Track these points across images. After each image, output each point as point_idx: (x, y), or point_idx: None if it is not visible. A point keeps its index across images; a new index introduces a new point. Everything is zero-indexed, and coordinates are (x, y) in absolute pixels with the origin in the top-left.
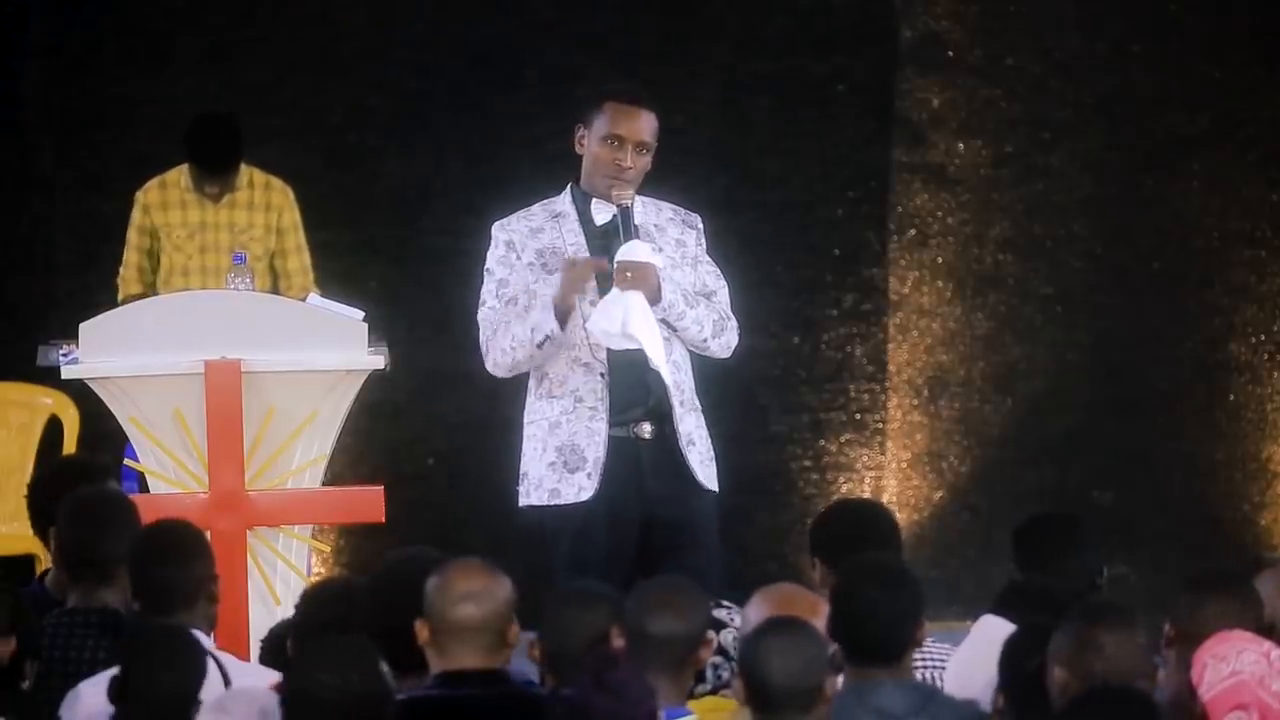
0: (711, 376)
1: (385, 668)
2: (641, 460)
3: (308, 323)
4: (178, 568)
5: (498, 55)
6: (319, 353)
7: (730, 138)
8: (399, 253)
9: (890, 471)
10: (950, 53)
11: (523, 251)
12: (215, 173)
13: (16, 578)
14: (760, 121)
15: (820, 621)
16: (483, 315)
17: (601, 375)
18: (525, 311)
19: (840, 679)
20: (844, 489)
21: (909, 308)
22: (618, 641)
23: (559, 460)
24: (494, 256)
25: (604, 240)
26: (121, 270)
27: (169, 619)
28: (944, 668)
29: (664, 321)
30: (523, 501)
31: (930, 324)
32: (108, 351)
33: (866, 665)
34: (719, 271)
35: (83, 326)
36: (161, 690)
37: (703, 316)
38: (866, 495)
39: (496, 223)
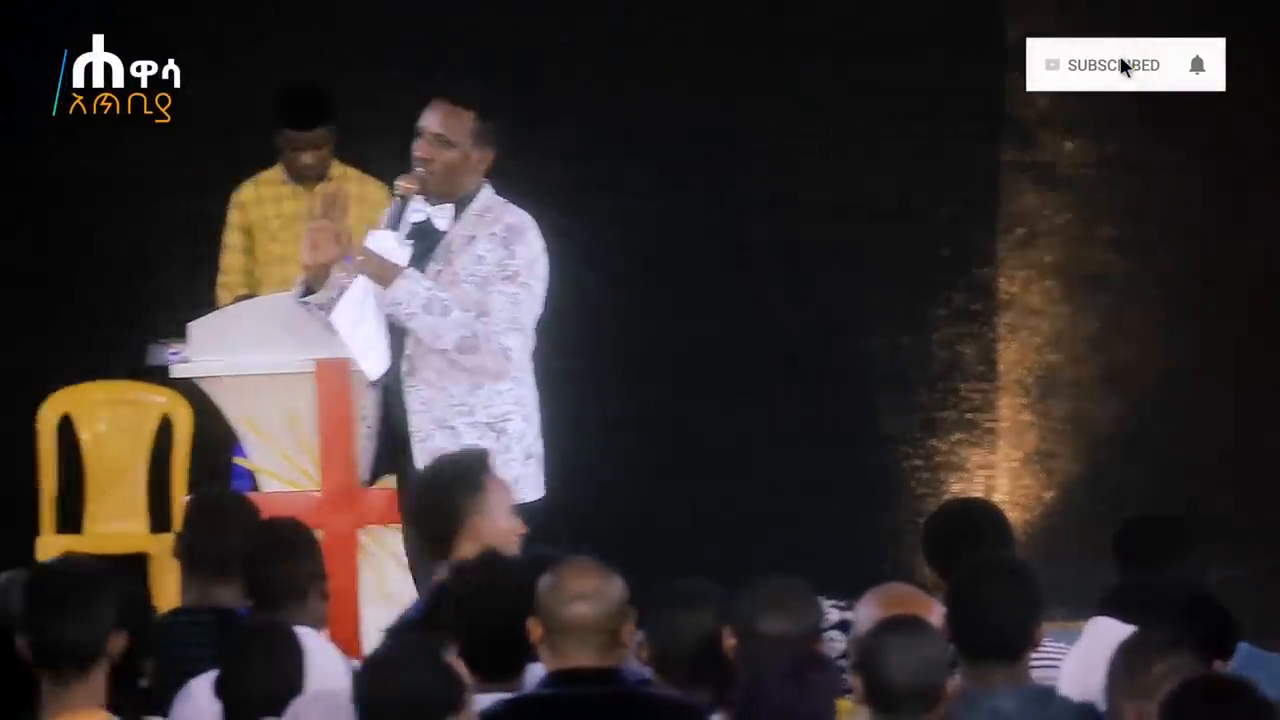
0: (820, 376)
1: (458, 666)
2: (397, 470)
3: None
4: (287, 565)
5: (593, 51)
6: None
7: (838, 139)
8: None
9: (1001, 471)
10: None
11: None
12: (301, 122)
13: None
14: (869, 122)
15: (932, 622)
16: None
17: (370, 386)
18: None
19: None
20: (955, 489)
21: (1018, 307)
22: (729, 641)
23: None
24: None
25: (416, 237)
26: (220, 276)
27: (280, 616)
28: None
29: (393, 318)
30: None
31: (1040, 323)
32: (216, 350)
33: (983, 665)
34: (518, 298)
35: (191, 326)
36: (260, 687)
37: (443, 328)
38: (978, 495)
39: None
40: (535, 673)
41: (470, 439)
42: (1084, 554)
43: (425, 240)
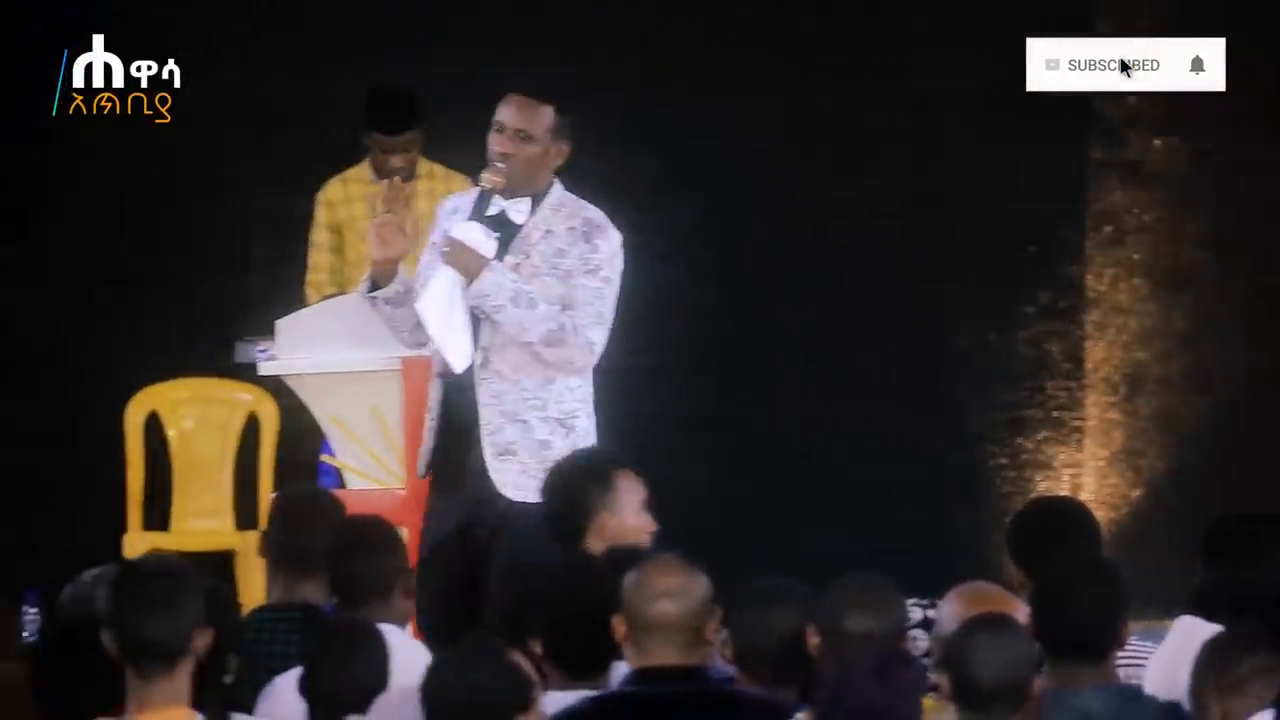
0: (907, 374)
1: (522, 666)
2: (456, 461)
3: None
4: (372, 563)
5: (680, 48)
6: None
7: (927, 136)
8: None
9: (1088, 469)
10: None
11: (433, 231)
12: (390, 128)
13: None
14: (957, 119)
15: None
16: None
17: (439, 376)
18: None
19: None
20: (1041, 487)
21: (1106, 305)
22: (813, 639)
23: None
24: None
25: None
26: (309, 275)
27: (364, 613)
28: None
29: (479, 310)
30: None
31: (1128, 321)
32: (303, 348)
33: (1069, 664)
34: (601, 291)
35: (278, 323)
36: (345, 684)
37: (530, 320)
38: (1064, 493)
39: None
40: (621, 671)
41: (542, 434)
42: (1171, 552)
43: (502, 233)
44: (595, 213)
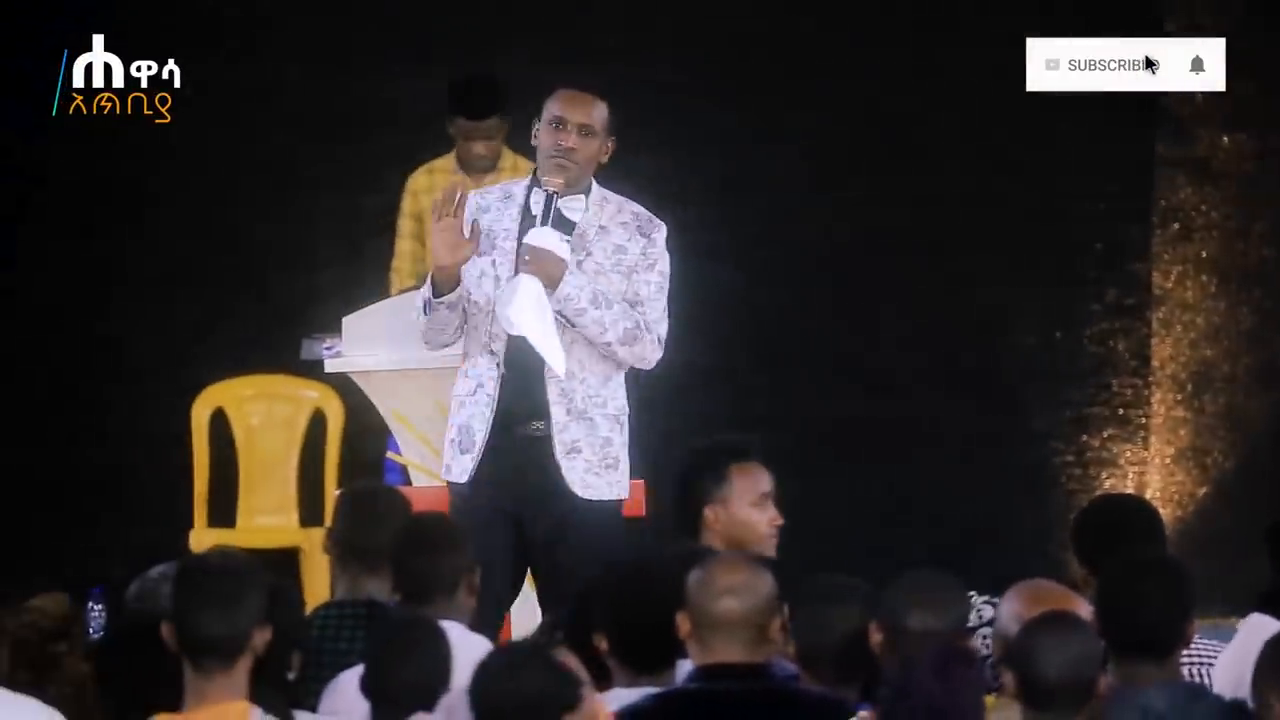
0: (972, 372)
1: (570, 665)
2: (517, 458)
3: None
4: (435, 560)
5: (750, 48)
6: None
7: (993, 133)
8: None
9: (1154, 467)
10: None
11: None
12: (474, 111)
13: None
14: (1023, 116)
15: None
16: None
17: (498, 366)
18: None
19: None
20: (1107, 484)
21: (1172, 302)
22: (876, 637)
23: (456, 439)
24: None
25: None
26: (394, 262)
27: (428, 610)
28: (1213, 665)
29: (562, 315)
30: (443, 475)
31: (1194, 318)
32: (370, 345)
33: (1133, 662)
34: (663, 285)
35: (345, 320)
36: (407, 681)
37: (609, 320)
38: (1129, 491)
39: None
40: (685, 668)
41: (604, 431)
42: (1237, 550)
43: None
44: (639, 207)
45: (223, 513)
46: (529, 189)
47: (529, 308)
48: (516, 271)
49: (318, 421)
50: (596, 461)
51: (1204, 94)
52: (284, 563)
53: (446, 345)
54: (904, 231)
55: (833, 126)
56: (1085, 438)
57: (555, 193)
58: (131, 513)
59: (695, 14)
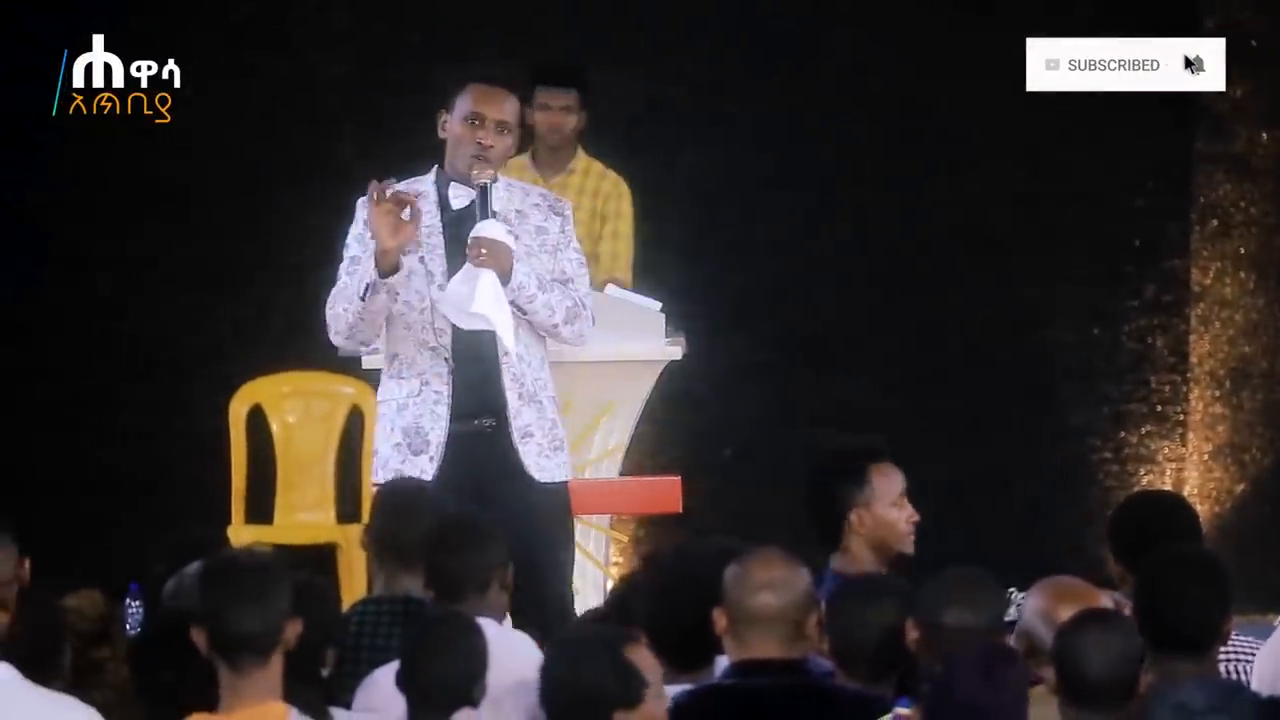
0: (1009, 368)
1: (643, 658)
2: (477, 452)
3: (606, 313)
4: (469, 556)
5: (791, 45)
6: (617, 343)
7: (1029, 128)
8: (697, 245)
9: (1192, 463)
10: (1254, 42)
11: (360, 209)
12: (554, 79)
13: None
14: (1060, 112)
15: None
16: (333, 292)
17: (446, 360)
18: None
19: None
20: (1144, 481)
21: (1211, 299)
22: (912, 634)
23: (404, 442)
24: (353, 233)
25: (457, 224)
26: None
27: (462, 607)
28: (1250, 661)
29: (514, 304)
30: (372, 480)
31: (1233, 315)
32: None
33: (1171, 659)
34: (582, 259)
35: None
36: (442, 677)
37: (555, 302)
38: (1167, 487)
39: (361, 199)
40: (723, 664)
41: (550, 413)
42: (1275, 547)
43: (457, 224)
44: (539, 188)
45: (260, 509)
46: (438, 185)
47: (491, 300)
48: (457, 267)
49: (355, 418)
50: (547, 444)
51: (1243, 89)
52: (321, 559)
53: (366, 344)
54: (944, 229)
55: (873, 124)
56: (1123, 434)
57: (488, 184)
58: (170, 509)
59: (751, 11)
